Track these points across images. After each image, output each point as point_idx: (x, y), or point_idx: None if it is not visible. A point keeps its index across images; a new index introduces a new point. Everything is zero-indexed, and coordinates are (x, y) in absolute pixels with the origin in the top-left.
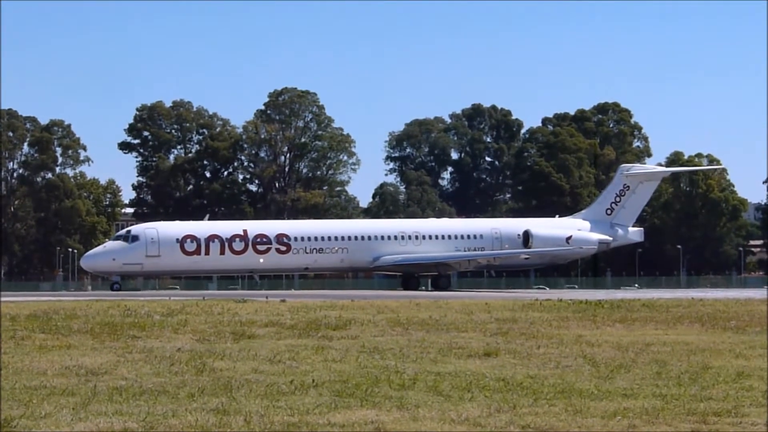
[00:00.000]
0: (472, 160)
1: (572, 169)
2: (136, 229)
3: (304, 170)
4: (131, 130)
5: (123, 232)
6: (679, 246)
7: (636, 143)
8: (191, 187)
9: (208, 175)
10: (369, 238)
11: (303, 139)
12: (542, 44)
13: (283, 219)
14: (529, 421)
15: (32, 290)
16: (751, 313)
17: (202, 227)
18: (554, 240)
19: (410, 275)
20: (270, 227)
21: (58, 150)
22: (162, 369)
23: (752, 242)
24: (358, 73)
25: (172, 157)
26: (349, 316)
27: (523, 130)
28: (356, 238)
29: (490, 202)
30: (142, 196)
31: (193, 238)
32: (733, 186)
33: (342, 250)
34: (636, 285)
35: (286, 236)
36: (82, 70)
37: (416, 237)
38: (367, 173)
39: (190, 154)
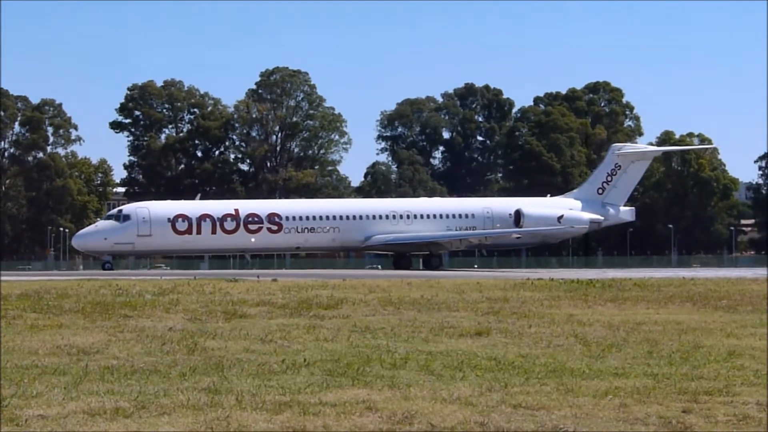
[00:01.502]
0: (463, 139)
1: (564, 148)
2: (128, 208)
3: (296, 150)
4: (122, 109)
5: (114, 211)
6: (670, 225)
7: (627, 122)
8: (182, 166)
9: (199, 154)
10: (360, 217)
11: (294, 119)
12: (534, 24)
13: (275, 198)
14: (520, 400)
15: (24, 269)
16: (743, 292)
17: (194, 207)
18: (546, 219)
19: (402, 255)
20: (261, 207)
21: (50, 129)
22: (153, 348)
23: (743, 221)
24: (349, 52)
25: (163, 136)
26: (341, 295)
27: (514, 110)
28: (348, 217)
29: (482, 181)
30: (133, 175)
31: (184, 217)
32: (725, 165)
33: (333, 229)
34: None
35: (278, 216)
36: (73, 50)
37: (408, 216)
38: (359, 153)
39: (181, 134)
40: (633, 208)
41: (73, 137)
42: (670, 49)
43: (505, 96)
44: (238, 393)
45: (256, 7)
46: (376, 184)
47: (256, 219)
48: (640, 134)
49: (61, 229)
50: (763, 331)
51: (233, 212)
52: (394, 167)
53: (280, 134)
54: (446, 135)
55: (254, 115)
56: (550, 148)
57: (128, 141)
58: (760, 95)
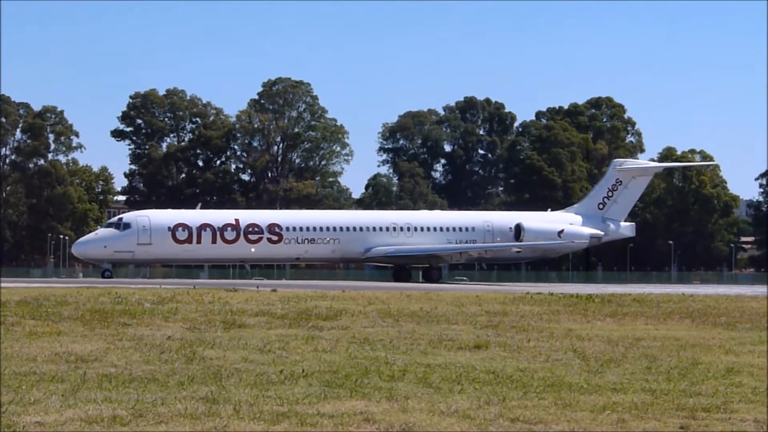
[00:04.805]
0: (464, 152)
1: (565, 163)
2: (128, 216)
3: (297, 160)
4: (124, 117)
5: (115, 219)
6: (670, 242)
7: (629, 138)
8: (183, 175)
9: (200, 163)
10: (361, 229)
11: (296, 129)
12: (537, 38)
13: (275, 209)
14: (518, 414)
15: (23, 276)
16: (742, 309)
17: (194, 216)
18: (546, 234)
19: (401, 267)
20: (262, 217)
21: (51, 136)
22: (152, 357)
23: (743, 239)
24: (352, 64)
25: (164, 145)
26: (340, 306)
27: (516, 124)
28: (348, 229)
29: (483, 194)
30: (134, 183)
31: (184, 226)
32: (726, 182)
33: (334, 240)
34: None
35: (278, 226)
36: (76, 57)
37: (408, 229)
38: (360, 164)
39: (182, 143)
40: (633, 223)
41: (74, 145)
42: (673, 66)
43: (506, 110)
44: (236, 403)
45: (259, 17)
46: (376, 196)
47: (256, 229)
48: (642, 150)
49: (61, 236)
50: (762, 349)
51: (234, 222)
52: (395, 179)
53: (281, 145)
54: (447, 148)
55: (256, 126)
56: (551, 162)
57: (129, 149)
58: (761, 113)
